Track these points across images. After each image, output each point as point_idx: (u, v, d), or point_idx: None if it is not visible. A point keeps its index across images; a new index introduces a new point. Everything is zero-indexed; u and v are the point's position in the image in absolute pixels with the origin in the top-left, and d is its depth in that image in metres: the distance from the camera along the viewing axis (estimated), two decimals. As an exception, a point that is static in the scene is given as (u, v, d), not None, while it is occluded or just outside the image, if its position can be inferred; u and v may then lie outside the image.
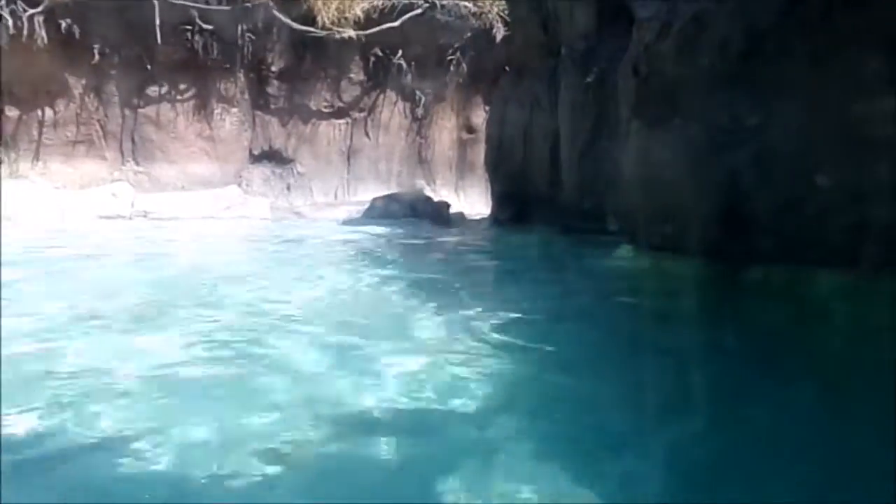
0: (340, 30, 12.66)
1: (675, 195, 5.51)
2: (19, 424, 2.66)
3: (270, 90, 13.62)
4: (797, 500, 2.18)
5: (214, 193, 12.64)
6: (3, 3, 11.12)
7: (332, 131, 14.12)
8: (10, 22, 11.21)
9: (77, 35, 11.89)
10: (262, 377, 3.26)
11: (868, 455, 2.42)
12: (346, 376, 3.26)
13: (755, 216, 4.91)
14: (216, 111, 13.28)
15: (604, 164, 7.56)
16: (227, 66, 12.99)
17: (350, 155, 14.22)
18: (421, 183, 14.35)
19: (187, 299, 5.00)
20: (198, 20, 12.40)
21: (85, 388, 3.03)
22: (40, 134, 12.46)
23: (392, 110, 14.28)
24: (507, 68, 11.25)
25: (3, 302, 4.49)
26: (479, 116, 14.30)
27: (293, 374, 3.29)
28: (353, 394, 3.04)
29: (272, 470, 2.37)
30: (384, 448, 2.53)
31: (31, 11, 11.31)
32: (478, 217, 12.52)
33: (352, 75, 13.84)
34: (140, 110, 12.91)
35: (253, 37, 12.89)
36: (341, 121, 14.13)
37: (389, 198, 12.95)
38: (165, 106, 13.05)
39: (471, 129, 14.55)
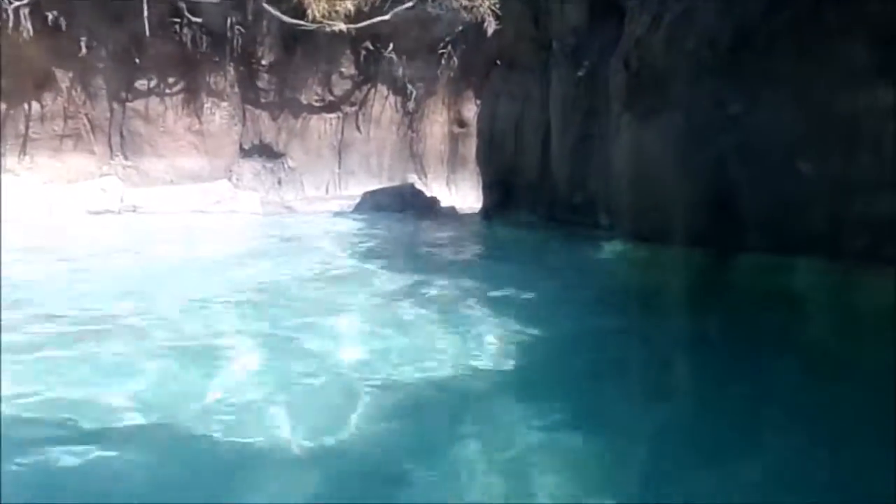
0: (331, 23, 12.59)
1: (665, 187, 5.55)
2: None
3: (260, 84, 13.53)
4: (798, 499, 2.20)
5: (204, 188, 12.57)
6: (-12, -6, 10.98)
7: (322, 125, 14.06)
8: (-4, 14, 11.07)
9: (64, 27, 11.75)
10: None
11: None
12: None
13: (742, 207, 4.95)
14: (206, 105, 13.18)
15: (594, 157, 7.59)
16: (217, 59, 12.89)
17: (341, 149, 14.18)
18: (412, 177, 14.34)
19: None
20: (186, 13, 12.29)
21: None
22: (27, 128, 12.32)
23: (383, 104, 14.24)
24: (498, 62, 11.24)
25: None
26: (471, 110, 14.28)
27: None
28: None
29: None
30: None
31: (17, 3, 11.17)
32: (469, 211, 12.53)
33: (342, 69, 13.78)
34: (128, 104, 12.80)
35: (242, 30, 12.80)
36: (332, 115, 14.08)
37: (380, 192, 12.94)
38: (154, 100, 12.93)
39: (462, 123, 14.54)
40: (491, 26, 12.44)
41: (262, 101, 13.64)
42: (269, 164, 13.87)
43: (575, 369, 3.49)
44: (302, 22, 12.59)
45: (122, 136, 12.89)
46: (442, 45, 13.62)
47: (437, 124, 14.61)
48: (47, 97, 12.32)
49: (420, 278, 5.69)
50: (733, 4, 5.09)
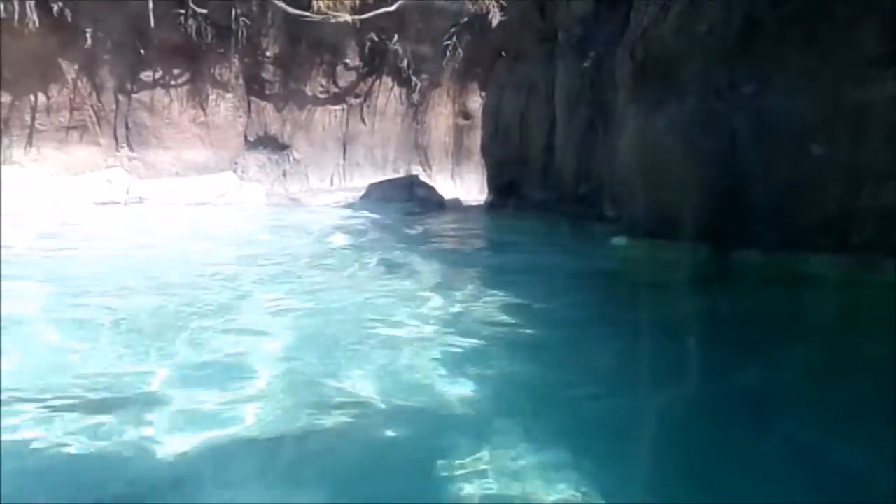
0: (336, 14, 12.56)
1: (672, 178, 5.53)
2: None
3: (265, 75, 13.52)
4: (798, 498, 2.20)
5: (210, 179, 12.59)
6: (-6, -14, 10.99)
7: (327, 117, 14.05)
8: (2, 6, 11.07)
9: (69, 18, 11.75)
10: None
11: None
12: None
13: (750, 197, 4.93)
14: (211, 96, 13.18)
15: (600, 148, 7.57)
16: (222, 50, 12.88)
17: (346, 141, 14.17)
18: (417, 169, 14.32)
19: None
20: (191, 4, 12.27)
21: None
22: (33, 119, 12.35)
23: (388, 96, 14.22)
24: (503, 53, 11.20)
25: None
26: (476, 102, 14.24)
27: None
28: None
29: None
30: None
31: (23, -5, 11.18)
32: (474, 203, 12.52)
33: (347, 61, 13.76)
34: (134, 95, 12.81)
35: (247, 21, 12.78)
36: (337, 107, 14.06)
37: (385, 184, 12.93)
38: (159, 91, 12.94)
39: (467, 115, 14.51)
40: (496, 17, 12.39)
41: (267, 92, 13.63)
42: (274, 156, 13.88)
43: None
44: (307, 13, 12.56)
45: (127, 127, 12.91)
46: (447, 36, 13.57)
47: (441, 116, 14.58)
48: (53, 89, 12.34)
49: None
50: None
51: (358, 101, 14.11)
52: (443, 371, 3.02)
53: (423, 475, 2.10)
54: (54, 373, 2.93)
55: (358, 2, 12.63)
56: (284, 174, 13.88)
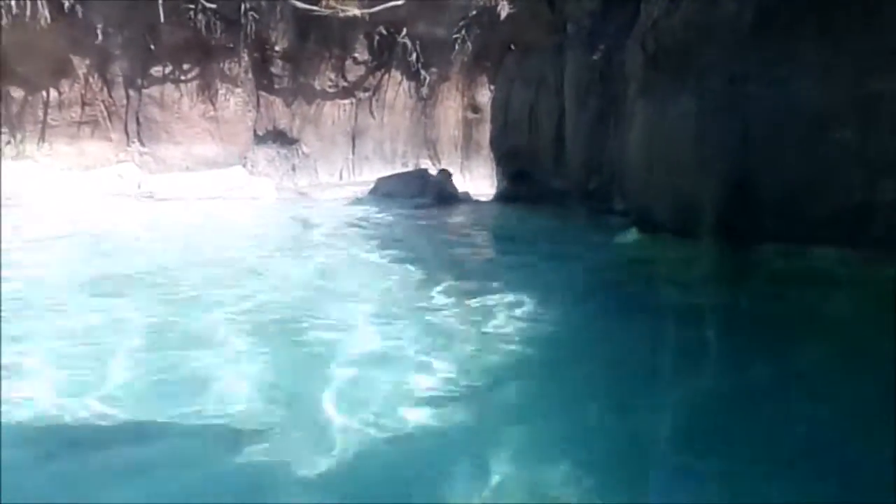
0: (344, 8, 12.54)
1: (682, 170, 5.49)
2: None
3: (274, 70, 13.53)
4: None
5: (220, 174, 12.65)
6: (6, -18, 11.06)
7: (336, 111, 14.05)
8: (13, 1, 11.14)
9: (80, 14, 11.81)
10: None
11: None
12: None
13: (761, 190, 4.89)
14: (220, 91, 13.21)
15: (610, 141, 7.53)
16: (231, 45, 12.89)
17: (355, 135, 14.16)
18: (426, 163, 14.30)
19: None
20: (201, -1, 12.29)
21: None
22: (45, 115, 12.44)
23: (397, 90, 14.18)
24: (512, 47, 11.15)
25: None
26: (485, 96, 14.17)
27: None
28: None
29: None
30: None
31: (34, -9, 11.24)
32: (483, 197, 12.48)
33: (356, 55, 13.73)
34: (144, 90, 12.87)
35: (256, 16, 12.78)
36: (346, 101, 14.05)
37: (394, 178, 12.92)
38: (169, 86, 12.99)
39: (476, 109, 14.45)
40: (505, 10, 12.31)
41: (276, 87, 13.64)
42: (283, 151, 13.90)
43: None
44: (315, 7, 12.55)
45: (138, 122, 12.97)
46: (456, 29, 13.50)
47: (451, 110, 14.53)
48: (65, 84, 12.41)
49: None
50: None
51: (367, 95, 14.09)
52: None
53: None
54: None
55: (366, -5, 12.60)
56: (293, 168, 13.90)
